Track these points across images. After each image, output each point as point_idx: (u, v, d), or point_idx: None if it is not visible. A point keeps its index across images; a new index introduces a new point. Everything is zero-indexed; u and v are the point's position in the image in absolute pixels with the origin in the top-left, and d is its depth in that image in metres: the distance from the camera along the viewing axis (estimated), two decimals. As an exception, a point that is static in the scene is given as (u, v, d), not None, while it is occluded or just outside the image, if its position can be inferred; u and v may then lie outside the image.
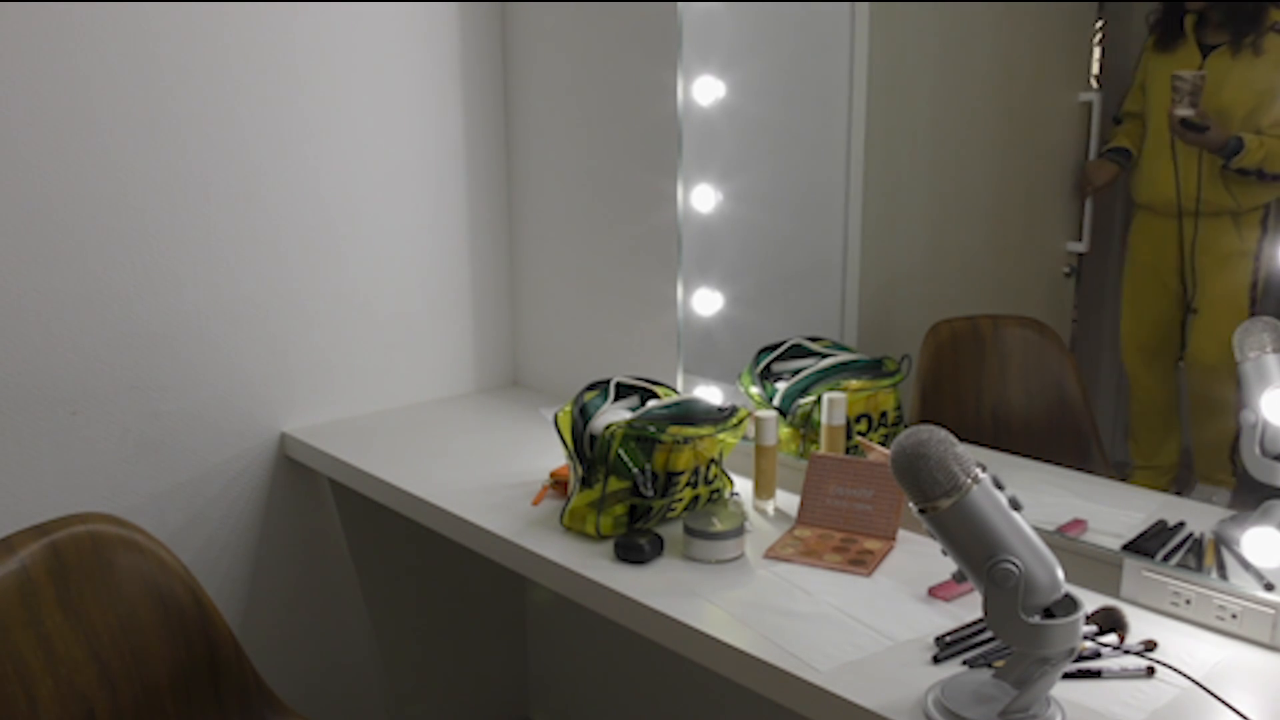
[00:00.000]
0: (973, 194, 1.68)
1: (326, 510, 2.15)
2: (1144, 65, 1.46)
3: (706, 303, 1.95)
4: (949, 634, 1.26)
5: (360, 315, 2.13)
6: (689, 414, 1.59)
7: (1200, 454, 1.46)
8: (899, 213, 1.77)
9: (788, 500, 1.70)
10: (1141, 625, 1.30)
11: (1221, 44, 1.38)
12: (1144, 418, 1.54)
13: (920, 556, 1.49)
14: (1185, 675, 1.17)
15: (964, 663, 1.21)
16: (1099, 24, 1.50)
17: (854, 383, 1.68)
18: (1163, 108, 1.43)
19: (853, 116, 1.74)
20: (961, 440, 1.10)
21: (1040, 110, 1.59)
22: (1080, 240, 1.55)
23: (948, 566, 1.40)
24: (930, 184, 1.73)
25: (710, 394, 1.90)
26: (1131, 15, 1.48)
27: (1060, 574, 1.07)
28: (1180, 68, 1.41)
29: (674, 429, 1.53)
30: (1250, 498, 1.33)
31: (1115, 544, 1.41)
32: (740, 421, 1.61)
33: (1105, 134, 1.50)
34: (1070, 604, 1.07)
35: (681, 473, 1.55)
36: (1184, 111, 1.43)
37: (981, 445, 1.61)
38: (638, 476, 1.52)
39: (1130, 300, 1.53)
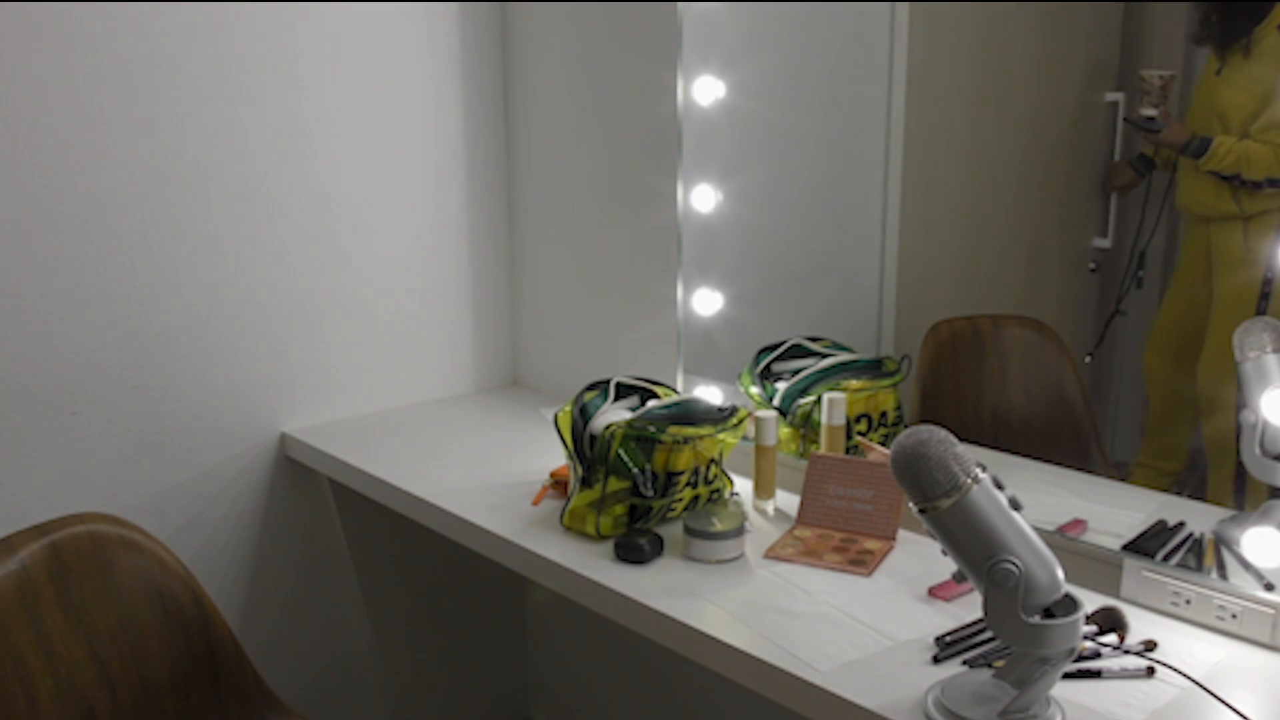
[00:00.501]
0: (1005, 190, 1.68)
1: (326, 510, 2.15)
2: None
3: (706, 303, 1.95)
4: (949, 634, 1.26)
5: (360, 315, 2.13)
6: (689, 414, 1.59)
7: (1211, 469, 1.45)
8: (934, 209, 1.76)
9: (788, 500, 1.70)
10: (1141, 625, 1.30)
11: (1228, 44, 1.38)
12: (1158, 417, 1.54)
13: (920, 556, 1.49)
14: (1185, 675, 1.17)
15: (964, 663, 1.21)
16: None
17: (854, 383, 1.68)
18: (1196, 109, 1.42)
19: (891, 115, 1.74)
20: (961, 440, 1.10)
21: (1070, 109, 1.59)
22: (1105, 237, 1.55)
23: (948, 566, 1.40)
24: (964, 181, 1.73)
25: (710, 394, 1.90)
26: (1144, 14, 1.47)
27: (1060, 574, 1.07)
28: (1207, 69, 1.40)
29: (674, 429, 1.53)
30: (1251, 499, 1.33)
31: (1115, 544, 1.41)
32: (740, 421, 1.61)
33: (1129, 133, 1.50)
34: (1070, 604, 1.07)
35: (681, 473, 1.55)
36: (1146, 111, 1.43)
37: (981, 445, 1.61)
38: (638, 476, 1.52)
39: (1168, 299, 1.52)
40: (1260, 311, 1.37)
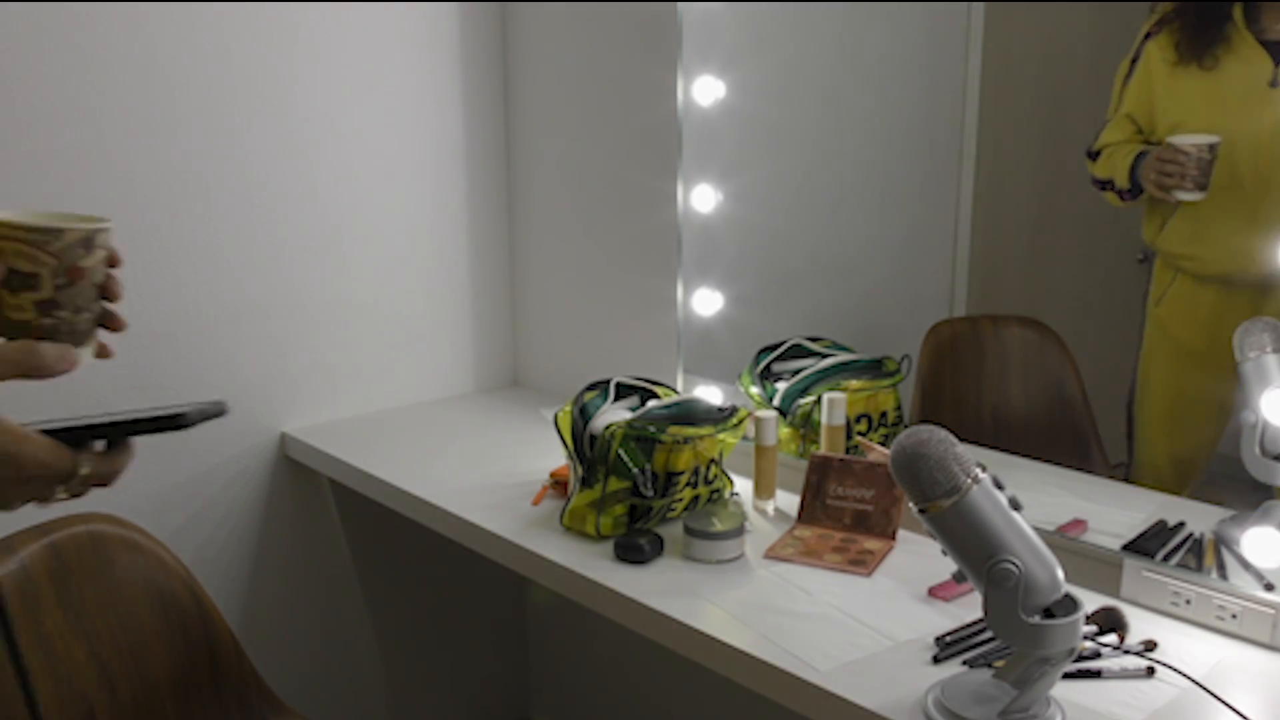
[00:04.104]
0: (1070, 186, 1.66)
1: (326, 510, 2.14)
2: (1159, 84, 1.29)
3: (706, 303, 1.95)
4: (949, 634, 1.26)
5: (360, 315, 2.13)
6: (689, 414, 1.59)
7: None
8: (1006, 205, 1.75)
9: (788, 500, 1.70)
10: (1141, 625, 1.30)
11: None
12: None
13: (920, 556, 1.49)
14: (1185, 675, 1.17)
15: (964, 663, 1.21)
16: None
17: (854, 383, 1.68)
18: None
19: (966, 115, 1.73)
20: (961, 440, 1.10)
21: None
22: None
23: (948, 566, 1.39)
24: (1033, 177, 1.71)
25: (710, 394, 1.90)
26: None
27: (1060, 574, 1.07)
28: (1233, 78, 1.25)
29: (674, 429, 1.53)
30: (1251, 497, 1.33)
31: (1115, 544, 1.41)
32: (740, 421, 1.61)
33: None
34: (1070, 604, 1.07)
35: (681, 473, 1.55)
36: (1185, 195, 1.22)
37: (981, 445, 1.61)
38: (638, 476, 1.52)
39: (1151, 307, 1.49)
40: None
